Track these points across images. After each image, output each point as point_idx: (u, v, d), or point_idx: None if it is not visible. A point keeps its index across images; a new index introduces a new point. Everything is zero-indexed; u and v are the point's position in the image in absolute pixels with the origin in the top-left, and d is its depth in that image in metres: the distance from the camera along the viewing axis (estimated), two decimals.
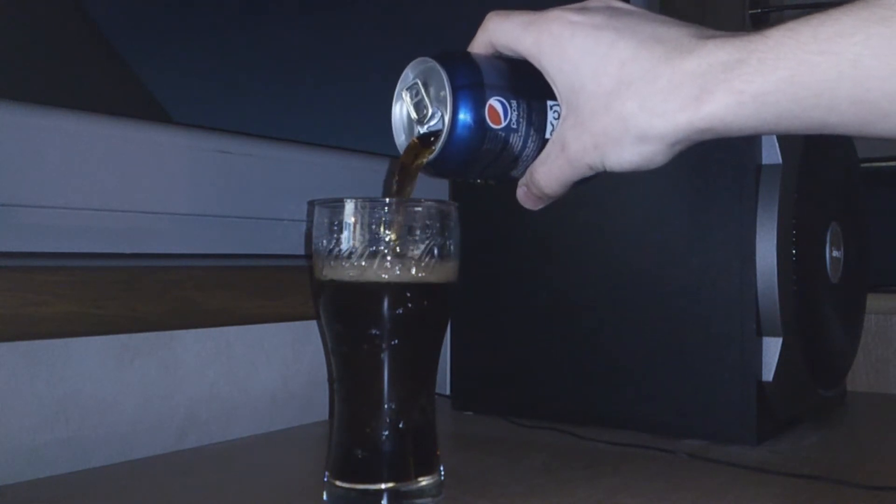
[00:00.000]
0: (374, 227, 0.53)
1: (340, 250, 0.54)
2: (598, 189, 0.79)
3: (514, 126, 0.49)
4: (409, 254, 0.54)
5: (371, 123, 1.03)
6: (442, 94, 0.49)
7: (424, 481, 0.56)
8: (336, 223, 0.54)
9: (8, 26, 0.73)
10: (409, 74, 0.51)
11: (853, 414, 0.90)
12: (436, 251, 0.55)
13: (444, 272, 0.55)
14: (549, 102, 0.50)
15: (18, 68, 0.74)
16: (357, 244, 0.53)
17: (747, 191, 0.71)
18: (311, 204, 0.58)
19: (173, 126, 0.83)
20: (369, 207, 0.54)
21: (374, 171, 1.00)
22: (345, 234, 0.54)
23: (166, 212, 0.79)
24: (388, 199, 0.54)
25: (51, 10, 0.78)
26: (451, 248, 0.56)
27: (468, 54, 0.50)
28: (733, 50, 0.42)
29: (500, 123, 0.49)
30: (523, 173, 0.52)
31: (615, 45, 0.45)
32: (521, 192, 0.53)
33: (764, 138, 0.72)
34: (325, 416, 0.85)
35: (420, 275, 0.54)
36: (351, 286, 0.54)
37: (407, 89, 0.52)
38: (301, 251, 0.89)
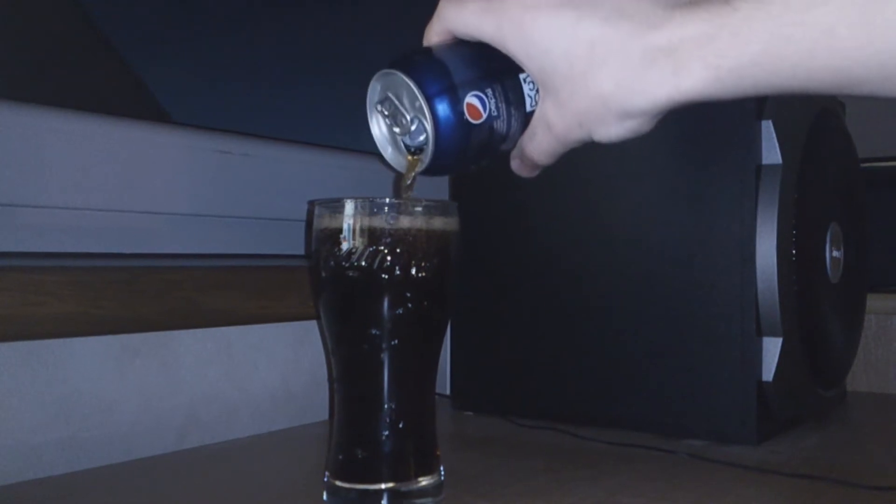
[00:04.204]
0: (373, 226, 0.53)
1: (340, 250, 0.53)
2: (597, 190, 0.80)
3: (496, 113, 0.49)
4: (409, 253, 0.53)
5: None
6: (417, 103, 0.48)
7: (424, 481, 0.56)
8: (336, 223, 0.54)
9: (8, 26, 0.73)
10: (376, 88, 0.51)
11: (853, 414, 0.90)
12: (436, 251, 0.55)
13: (444, 272, 0.55)
14: (521, 76, 0.49)
15: (18, 68, 0.74)
16: (357, 244, 0.53)
17: (747, 191, 0.71)
18: (311, 204, 0.58)
19: (173, 126, 0.83)
20: (369, 207, 0.54)
21: (374, 171, 0.99)
22: (345, 234, 0.54)
23: (166, 212, 0.79)
24: (387, 199, 0.54)
25: (51, 10, 0.78)
26: (451, 248, 0.56)
27: (429, 52, 0.50)
28: (702, 24, 0.42)
29: (482, 117, 0.49)
30: (514, 146, 0.52)
31: (579, 24, 0.45)
32: (515, 164, 0.54)
33: (764, 138, 0.72)
34: (325, 416, 0.85)
35: (420, 275, 0.54)
36: (351, 286, 0.54)
37: (379, 103, 0.51)
38: (301, 251, 0.89)
